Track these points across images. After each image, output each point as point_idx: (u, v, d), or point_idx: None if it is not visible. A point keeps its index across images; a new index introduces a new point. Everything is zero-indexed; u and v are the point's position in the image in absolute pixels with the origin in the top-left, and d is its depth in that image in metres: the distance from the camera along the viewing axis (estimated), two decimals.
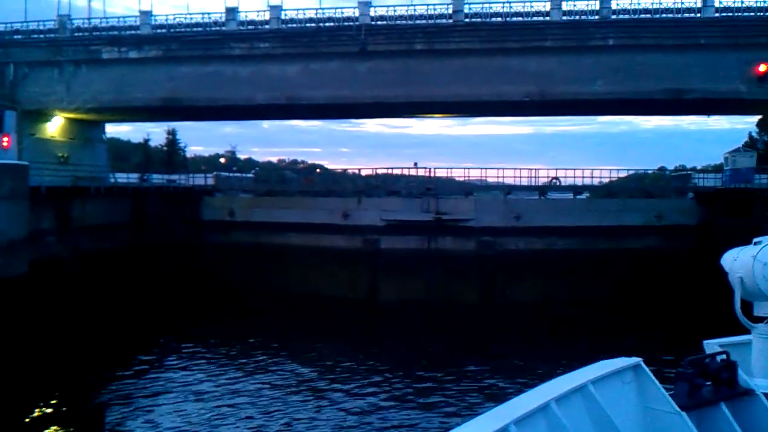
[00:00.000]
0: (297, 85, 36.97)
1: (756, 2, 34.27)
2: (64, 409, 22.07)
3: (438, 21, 36.27)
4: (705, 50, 34.15)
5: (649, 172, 54.79)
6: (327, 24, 36.95)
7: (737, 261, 7.80)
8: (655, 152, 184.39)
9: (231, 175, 63.32)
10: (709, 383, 7.15)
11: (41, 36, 39.17)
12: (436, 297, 37.18)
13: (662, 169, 61.96)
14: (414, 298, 36.69)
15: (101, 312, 30.58)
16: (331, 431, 20.34)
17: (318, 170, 73.47)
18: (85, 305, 30.22)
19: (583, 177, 43.99)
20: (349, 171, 51.84)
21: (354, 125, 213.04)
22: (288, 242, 40.01)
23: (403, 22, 36.48)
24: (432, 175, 45.72)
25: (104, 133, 49.87)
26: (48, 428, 20.43)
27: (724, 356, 7.31)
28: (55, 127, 42.41)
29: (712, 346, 7.86)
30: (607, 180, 45.54)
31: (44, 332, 26.10)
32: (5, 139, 37.75)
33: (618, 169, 46.40)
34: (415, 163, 48.12)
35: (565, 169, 44.90)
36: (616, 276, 35.65)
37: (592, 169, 44.69)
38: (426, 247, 38.80)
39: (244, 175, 66.24)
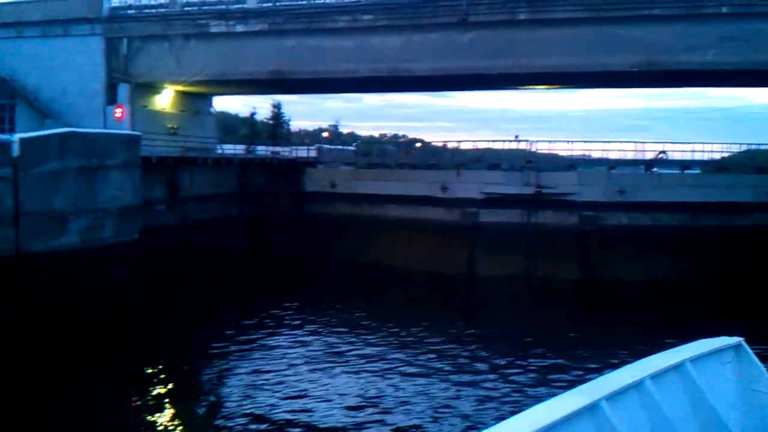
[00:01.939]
0: (399, 57, 36.88)
1: None
2: (174, 364, 23.21)
3: None
4: None
5: (764, 147, 52.08)
6: None
7: None
8: None
9: (333, 147, 64.07)
10: None
11: (152, 11, 40.55)
12: (535, 273, 36.79)
13: None
14: (513, 273, 36.37)
15: (208, 277, 31.93)
16: (431, 403, 20.59)
17: (418, 144, 73.27)
18: (193, 271, 31.58)
19: (693, 151, 42.31)
20: (449, 145, 51.45)
21: (455, 99, 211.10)
22: (386, 214, 40.28)
23: None
24: (533, 149, 44.98)
25: (212, 106, 51.43)
26: (160, 381, 21.60)
27: None
28: (165, 99, 44.03)
29: None
30: (718, 156, 43.53)
31: (157, 295, 27.36)
32: (119, 110, 39.63)
33: (730, 144, 44.09)
34: (516, 136, 47.52)
35: (674, 143, 43.19)
36: (724, 254, 34.28)
37: (703, 143, 42.89)
38: (526, 221, 38.25)
39: (345, 148, 66.94)
